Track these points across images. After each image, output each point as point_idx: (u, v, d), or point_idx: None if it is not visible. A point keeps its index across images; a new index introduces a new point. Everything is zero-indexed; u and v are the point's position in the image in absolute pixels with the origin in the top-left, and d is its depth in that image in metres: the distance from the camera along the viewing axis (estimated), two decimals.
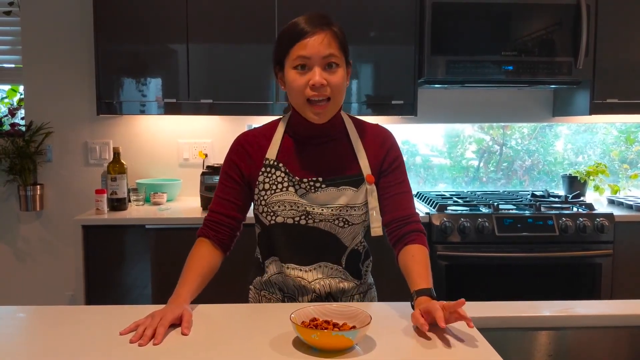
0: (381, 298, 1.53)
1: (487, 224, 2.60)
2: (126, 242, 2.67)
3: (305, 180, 1.38)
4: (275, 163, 1.40)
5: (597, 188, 3.22)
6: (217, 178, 2.74)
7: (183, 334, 1.16)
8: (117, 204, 2.75)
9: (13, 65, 3.20)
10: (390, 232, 1.41)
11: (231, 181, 1.43)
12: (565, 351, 1.38)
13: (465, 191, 3.30)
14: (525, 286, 2.65)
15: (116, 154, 2.78)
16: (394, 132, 1.51)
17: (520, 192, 3.21)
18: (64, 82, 3.09)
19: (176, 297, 1.28)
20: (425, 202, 2.93)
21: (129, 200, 2.86)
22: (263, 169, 1.40)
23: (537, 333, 1.34)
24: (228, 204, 1.43)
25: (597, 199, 3.11)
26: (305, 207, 1.37)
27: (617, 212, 2.72)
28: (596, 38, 2.83)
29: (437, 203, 2.76)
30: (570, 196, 2.99)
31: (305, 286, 1.41)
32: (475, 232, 2.61)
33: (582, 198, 3.02)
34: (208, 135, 3.17)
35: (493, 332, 1.22)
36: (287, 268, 1.41)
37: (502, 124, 3.37)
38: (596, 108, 2.89)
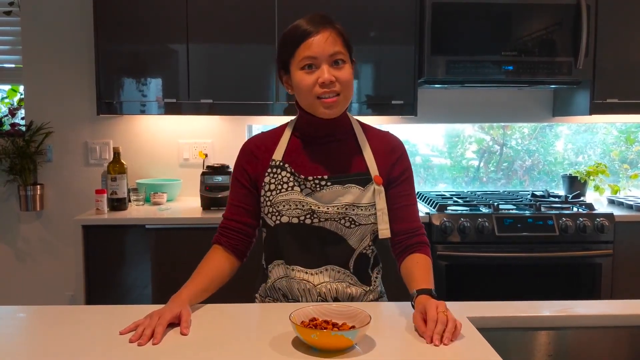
0: None
1: (487, 224, 2.60)
2: (126, 242, 2.67)
3: (310, 178, 1.37)
4: (281, 164, 1.39)
5: (597, 188, 3.22)
6: (217, 178, 2.76)
7: (182, 333, 1.16)
8: (117, 204, 2.75)
9: (13, 65, 3.20)
10: (396, 243, 1.41)
11: (241, 187, 1.43)
12: (565, 351, 1.38)
13: (465, 191, 3.30)
14: (525, 286, 2.65)
15: (116, 154, 2.78)
16: (394, 132, 1.50)
17: (521, 192, 3.21)
18: (64, 82, 3.09)
19: (177, 295, 1.28)
20: (426, 202, 2.93)
21: (129, 200, 2.86)
22: (269, 170, 1.40)
23: (537, 333, 1.34)
24: (239, 210, 1.43)
25: (597, 199, 3.11)
26: (311, 206, 1.36)
27: (617, 212, 2.72)
28: (596, 38, 2.83)
29: (437, 203, 2.76)
30: (571, 196, 2.99)
31: (310, 290, 1.38)
32: (475, 232, 2.61)
33: (582, 198, 3.02)
34: (208, 135, 3.17)
35: (493, 332, 1.22)
36: (293, 270, 1.39)
37: (502, 124, 3.37)
38: (596, 108, 2.89)
